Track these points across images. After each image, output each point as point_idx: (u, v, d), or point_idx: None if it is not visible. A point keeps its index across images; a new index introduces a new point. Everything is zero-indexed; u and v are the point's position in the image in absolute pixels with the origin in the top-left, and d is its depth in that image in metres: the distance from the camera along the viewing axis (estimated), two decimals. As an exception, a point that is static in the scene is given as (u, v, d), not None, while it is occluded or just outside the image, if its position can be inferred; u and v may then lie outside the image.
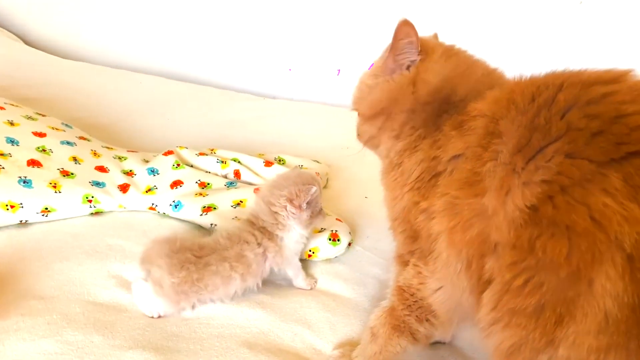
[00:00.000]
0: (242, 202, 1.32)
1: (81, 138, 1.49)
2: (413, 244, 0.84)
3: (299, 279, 1.12)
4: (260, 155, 1.57)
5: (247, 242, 1.05)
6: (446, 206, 0.75)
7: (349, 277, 1.18)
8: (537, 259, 0.63)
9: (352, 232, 1.31)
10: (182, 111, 2.09)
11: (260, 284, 1.08)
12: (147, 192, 1.35)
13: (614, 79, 0.65)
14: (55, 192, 1.25)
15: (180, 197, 1.32)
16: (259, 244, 1.06)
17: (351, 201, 1.48)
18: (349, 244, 1.27)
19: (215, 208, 1.29)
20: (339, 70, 2.22)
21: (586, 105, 0.64)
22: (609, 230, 0.58)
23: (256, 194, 1.15)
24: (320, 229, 1.24)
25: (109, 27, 2.58)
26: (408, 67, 0.85)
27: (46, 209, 1.22)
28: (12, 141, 1.30)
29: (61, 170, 1.31)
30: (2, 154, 1.25)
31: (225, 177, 1.47)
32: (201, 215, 1.27)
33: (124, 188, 1.34)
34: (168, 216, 1.31)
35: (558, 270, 0.61)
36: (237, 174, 1.48)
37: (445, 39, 0.93)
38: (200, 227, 1.29)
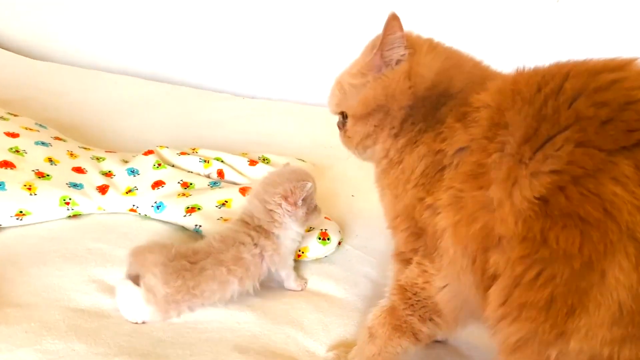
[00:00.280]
0: (227, 202, 1.28)
1: (56, 138, 1.43)
2: (416, 242, 0.82)
3: (290, 279, 1.09)
4: (243, 155, 1.53)
5: (243, 244, 1.01)
6: (451, 200, 0.73)
7: (340, 276, 1.15)
8: (550, 250, 0.61)
9: (341, 230, 1.28)
10: (159, 112, 2.03)
11: (258, 286, 1.04)
12: (127, 193, 1.30)
13: (620, 67, 0.64)
14: (30, 194, 1.19)
15: (163, 198, 1.27)
16: (255, 245, 1.02)
17: (338, 200, 1.45)
18: (339, 243, 1.24)
19: (199, 208, 1.25)
20: None
21: (594, 93, 0.62)
22: (619, 220, 0.57)
23: (249, 193, 1.11)
24: (309, 228, 1.21)
25: (80, 27, 2.50)
26: (397, 63, 0.83)
27: (21, 212, 1.16)
28: (-18, 142, 1.24)
29: (36, 171, 1.25)
30: (-28, 156, 1.19)
31: (208, 176, 1.43)
32: (185, 216, 1.23)
33: (102, 189, 1.29)
34: (150, 218, 1.26)
35: (572, 262, 0.59)
36: (220, 173, 1.43)
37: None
38: (183, 229, 1.24)
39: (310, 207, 1.08)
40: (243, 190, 1.31)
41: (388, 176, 0.85)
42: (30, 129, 1.41)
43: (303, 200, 1.04)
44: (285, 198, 1.03)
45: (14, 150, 1.28)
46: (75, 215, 1.23)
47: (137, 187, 1.31)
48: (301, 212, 1.05)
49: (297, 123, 2.05)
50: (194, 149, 1.51)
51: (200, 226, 1.21)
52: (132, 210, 1.27)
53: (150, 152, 1.43)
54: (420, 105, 0.81)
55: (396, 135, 0.84)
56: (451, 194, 0.73)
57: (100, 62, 2.48)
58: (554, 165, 0.62)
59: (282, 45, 2.32)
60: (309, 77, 2.33)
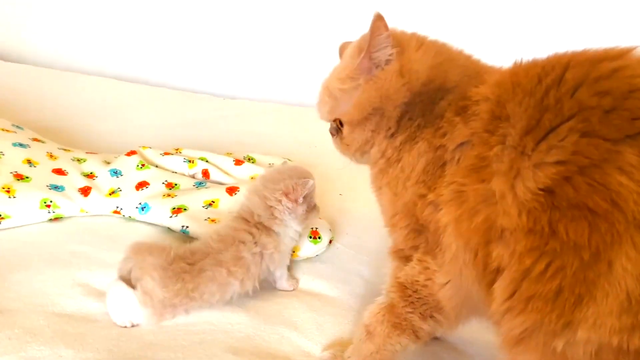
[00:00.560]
0: (214, 202, 1.25)
1: (34, 140, 1.39)
2: (417, 239, 0.80)
3: (283, 279, 1.07)
4: (228, 154, 1.50)
5: (243, 242, 0.99)
6: (453, 195, 0.72)
7: (331, 275, 1.13)
8: (561, 242, 0.60)
9: (332, 229, 1.26)
10: (137, 113, 1.99)
11: (258, 287, 1.02)
12: (110, 194, 1.26)
13: (619, 55, 0.64)
14: (9, 197, 1.15)
15: (147, 199, 1.24)
16: (255, 243, 1.00)
17: (326, 199, 1.44)
18: (330, 242, 1.22)
19: (185, 209, 1.22)
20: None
21: (596, 82, 0.61)
22: (625, 210, 0.57)
23: (247, 189, 1.09)
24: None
25: (56, 30, 2.44)
26: (387, 63, 0.81)
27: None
28: (-43, 144, 1.20)
29: (14, 173, 1.21)
30: (-53, 157, 1.14)
31: (193, 177, 1.40)
32: (171, 217, 1.20)
33: (85, 191, 1.25)
34: (134, 220, 1.23)
35: (581, 253, 0.59)
36: (205, 173, 1.41)
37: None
38: (169, 231, 1.21)
39: (310, 206, 1.06)
40: (230, 190, 1.29)
41: (386, 175, 0.83)
42: (7, 130, 1.37)
43: (304, 197, 1.03)
44: (286, 195, 1.02)
45: (-10, 152, 1.23)
46: (56, 219, 1.20)
47: (121, 189, 1.28)
48: (301, 209, 1.04)
49: (279, 123, 2.04)
50: (177, 149, 1.48)
51: (187, 227, 1.18)
52: (115, 212, 1.24)
53: (132, 152, 1.39)
54: (417, 101, 0.80)
55: (393, 135, 0.82)
56: (453, 189, 0.72)
57: (76, 64, 2.43)
58: (559, 155, 0.61)
59: (261, 46, 2.31)
60: (289, 77, 2.33)
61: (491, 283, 0.69)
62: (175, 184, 1.32)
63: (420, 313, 0.81)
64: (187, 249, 0.97)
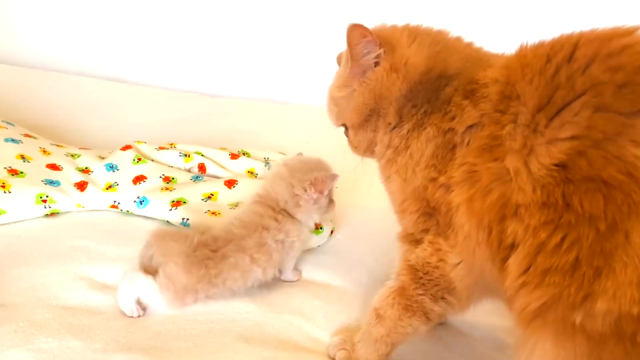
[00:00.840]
0: (213, 195, 1.25)
1: (26, 135, 1.36)
2: (428, 222, 0.81)
3: (289, 270, 1.07)
4: (222, 149, 1.49)
5: (266, 229, 0.99)
6: (465, 176, 0.73)
7: (334, 265, 1.14)
8: (576, 214, 0.61)
9: (332, 220, 1.27)
10: (125, 112, 1.96)
11: (278, 274, 1.04)
12: (107, 189, 1.25)
13: (628, 32, 0.65)
14: (5, 192, 1.13)
15: (145, 193, 1.23)
16: (279, 230, 1.00)
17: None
18: (332, 232, 1.23)
19: (185, 202, 1.21)
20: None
21: (608, 58, 0.63)
22: None
23: (270, 175, 1.10)
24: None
25: (40, 29, 2.40)
26: (376, 64, 0.83)
27: (-5, 211, 1.10)
28: (-51, 139, 1.17)
29: (9, 169, 1.19)
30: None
31: (189, 171, 1.39)
32: (170, 210, 1.19)
33: (81, 186, 1.23)
34: (132, 214, 1.22)
35: (597, 224, 0.60)
36: (202, 167, 1.40)
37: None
38: (169, 224, 1.20)
39: (330, 198, 1.09)
40: (229, 183, 1.28)
41: (395, 164, 0.85)
42: (-1, 126, 1.34)
43: (328, 190, 1.05)
44: (314, 185, 1.03)
45: (-17, 147, 1.21)
46: (53, 214, 1.18)
47: (118, 183, 1.26)
48: (324, 201, 1.06)
49: (268, 120, 2.03)
50: (172, 144, 1.47)
51: (187, 219, 1.17)
52: (113, 206, 1.22)
53: (128, 147, 1.38)
54: (419, 89, 0.81)
55: (394, 127, 0.84)
56: (464, 170, 0.73)
57: (60, 63, 2.38)
58: (573, 130, 0.63)
59: (248, 45, 2.29)
60: (277, 76, 2.32)
61: (505, 259, 0.70)
62: (173, 178, 1.31)
63: (431, 294, 0.82)
64: (209, 236, 0.97)
